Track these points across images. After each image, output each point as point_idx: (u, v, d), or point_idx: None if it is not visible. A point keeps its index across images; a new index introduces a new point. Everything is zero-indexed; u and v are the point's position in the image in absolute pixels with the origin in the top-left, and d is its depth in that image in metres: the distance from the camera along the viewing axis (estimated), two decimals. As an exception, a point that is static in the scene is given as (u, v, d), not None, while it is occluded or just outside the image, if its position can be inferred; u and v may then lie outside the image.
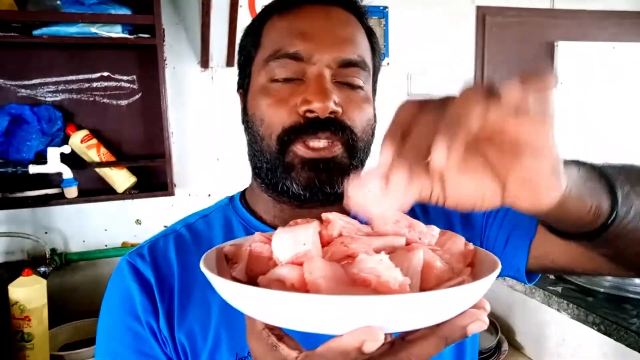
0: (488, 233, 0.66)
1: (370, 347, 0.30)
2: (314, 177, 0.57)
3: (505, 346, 1.58)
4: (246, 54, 0.65)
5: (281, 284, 0.35)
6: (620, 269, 0.56)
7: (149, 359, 0.57)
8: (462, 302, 0.33)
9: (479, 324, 0.33)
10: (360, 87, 0.61)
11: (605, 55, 2.51)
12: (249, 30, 0.66)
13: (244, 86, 0.66)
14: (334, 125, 0.57)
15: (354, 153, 0.60)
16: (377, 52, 0.67)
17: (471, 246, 0.43)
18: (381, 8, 2.17)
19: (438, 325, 0.34)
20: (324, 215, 0.42)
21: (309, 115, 0.57)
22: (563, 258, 0.60)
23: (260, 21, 0.64)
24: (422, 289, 0.36)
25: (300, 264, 0.35)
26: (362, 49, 0.62)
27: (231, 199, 0.71)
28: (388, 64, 2.19)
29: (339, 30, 0.60)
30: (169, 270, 0.61)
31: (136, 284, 0.59)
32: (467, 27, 2.34)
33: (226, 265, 0.43)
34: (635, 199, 0.47)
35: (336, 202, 0.61)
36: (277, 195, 0.62)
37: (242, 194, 0.72)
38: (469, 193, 0.40)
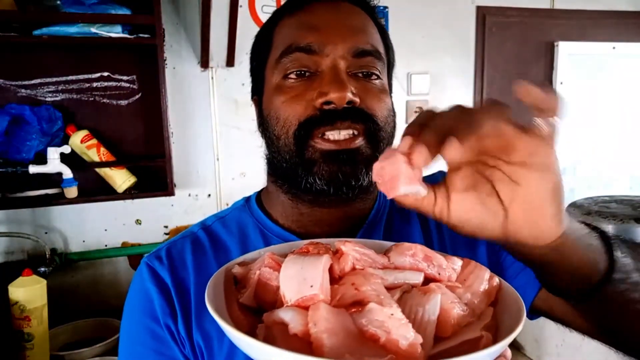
0: (506, 256, 0.64)
1: None
2: (337, 169, 0.55)
3: (505, 346, 1.57)
4: (257, 58, 0.64)
5: (284, 329, 0.33)
6: (608, 342, 0.55)
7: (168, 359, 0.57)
8: None
9: None
10: (377, 78, 0.60)
11: (605, 55, 2.51)
12: (259, 35, 0.65)
13: (257, 92, 0.65)
14: (354, 115, 0.55)
15: (377, 143, 0.58)
16: (390, 48, 0.66)
17: (496, 280, 0.40)
18: (381, 8, 2.17)
19: None
20: (338, 245, 0.41)
21: (326, 107, 0.55)
22: (560, 310, 0.59)
23: (270, 24, 0.64)
24: (437, 336, 0.34)
25: (306, 308, 0.34)
26: (374, 40, 0.61)
27: (247, 200, 0.70)
28: (388, 64, 2.19)
29: (350, 22, 0.59)
30: (185, 273, 0.60)
31: (154, 287, 0.59)
32: (467, 27, 2.34)
33: (234, 288, 0.42)
34: (635, 272, 0.45)
35: (357, 198, 0.60)
36: (298, 195, 0.61)
37: (258, 195, 0.71)
38: (472, 214, 0.40)
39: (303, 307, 0.34)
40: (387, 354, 0.30)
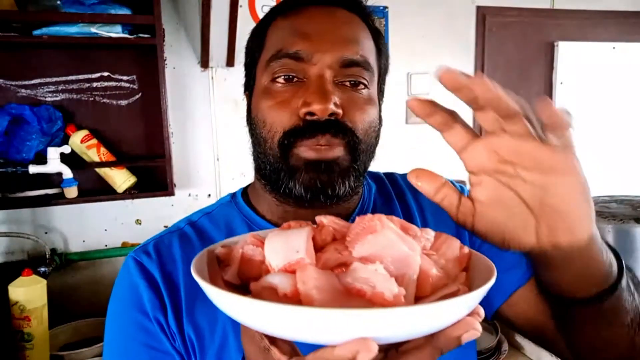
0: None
1: (364, 358, 0.29)
2: (315, 178, 0.57)
3: (505, 346, 1.58)
4: (251, 55, 0.66)
5: (273, 292, 0.34)
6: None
7: (158, 353, 0.58)
8: (457, 313, 0.33)
9: (473, 333, 0.33)
10: (364, 88, 0.60)
11: (605, 55, 2.51)
12: (254, 32, 0.66)
13: (249, 88, 0.66)
14: (335, 127, 0.57)
15: (356, 155, 0.59)
16: (384, 53, 0.66)
17: (466, 249, 0.42)
18: (381, 8, 2.17)
19: (432, 335, 0.33)
20: (318, 219, 0.42)
21: (308, 117, 0.56)
22: (527, 317, 0.61)
23: (265, 23, 0.64)
24: (418, 297, 0.35)
25: (293, 272, 0.34)
26: (365, 49, 0.61)
27: (233, 196, 0.71)
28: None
29: (341, 30, 0.60)
30: (174, 268, 0.61)
31: (143, 280, 0.60)
32: (467, 27, 2.34)
33: (218, 267, 0.42)
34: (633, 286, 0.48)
35: (340, 202, 0.61)
36: (280, 196, 0.62)
37: (244, 191, 0.72)
38: (502, 226, 0.41)
39: (290, 272, 0.35)
40: (374, 306, 0.32)
